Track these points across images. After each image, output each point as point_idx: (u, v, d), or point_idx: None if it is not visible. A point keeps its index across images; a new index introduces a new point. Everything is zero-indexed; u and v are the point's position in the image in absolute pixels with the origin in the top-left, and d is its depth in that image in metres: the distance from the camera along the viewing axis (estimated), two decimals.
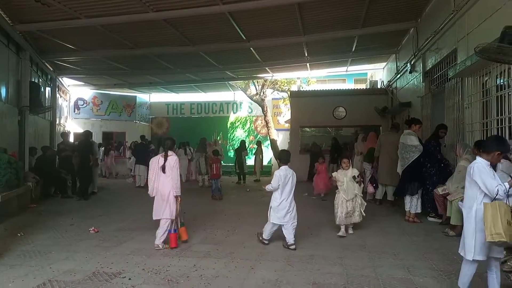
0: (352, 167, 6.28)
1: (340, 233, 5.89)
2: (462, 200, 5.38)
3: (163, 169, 5.34)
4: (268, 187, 5.36)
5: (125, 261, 4.68)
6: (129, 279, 4.06)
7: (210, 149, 12.11)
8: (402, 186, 6.97)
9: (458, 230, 5.67)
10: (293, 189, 5.37)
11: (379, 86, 15.35)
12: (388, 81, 13.98)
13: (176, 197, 5.37)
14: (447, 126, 7.24)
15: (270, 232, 5.42)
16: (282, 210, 5.25)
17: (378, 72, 16.77)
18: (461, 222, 5.55)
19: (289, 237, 5.22)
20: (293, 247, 5.14)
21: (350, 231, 6.06)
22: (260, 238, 5.50)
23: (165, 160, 5.36)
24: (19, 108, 9.75)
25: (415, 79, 10.34)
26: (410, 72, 10.57)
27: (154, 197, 5.44)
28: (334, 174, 6.25)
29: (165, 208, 5.33)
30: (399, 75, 12.17)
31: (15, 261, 4.69)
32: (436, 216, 6.82)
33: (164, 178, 5.36)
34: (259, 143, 15.70)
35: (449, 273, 4.16)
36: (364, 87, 18.05)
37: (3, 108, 8.85)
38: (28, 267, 4.44)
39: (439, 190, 6.36)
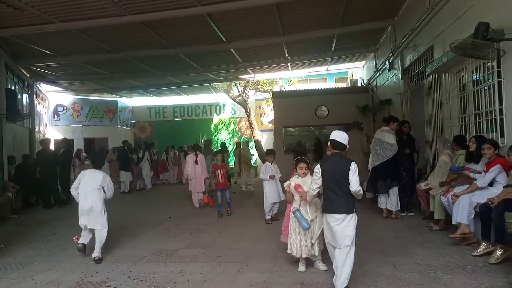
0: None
1: (300, 268, 4.28)
2: (444, 195, 5.50)
3: (196, 162, 9.14)
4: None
5: (110, 269, 4.60)
6: (115, 287, 4.00)
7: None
8: (374, 183, 6.99)
9: (442, 224, 5.77)
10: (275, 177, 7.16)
11: (359, 85, 15.52)
12: (368, 79, 14.14)
13: (205, 179, 9.19)
14: (408, 121, 7.52)
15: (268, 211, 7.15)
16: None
17: (358, 71, 16.96)
18: (444, 216, 5.68)
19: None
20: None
21: (322, 267, 4.28)
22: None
23: (196, 157, 9.19)
24: None
25: (394, 77, 10.49)
26: (389, 70, 10.72)
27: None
28: (289, 183, 4.43)
29: (200, 185, 9.07)
30: (378, 73, 12.32)
31: None
32: (409, 210, 7.10)
33: (197, 168, 9.13)
34: (237, 144, 15.69)
35: (434, 267, 4.22)
36: (345, 86, 18.23)
37: None
38: (9, 280, 4.33)
39: (422, 185, 6.46)
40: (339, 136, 3.83)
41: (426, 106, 7.96)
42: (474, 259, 4.42)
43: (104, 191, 5.21)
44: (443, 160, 6.09)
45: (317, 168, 3.81)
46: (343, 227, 3.62)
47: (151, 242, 5.89)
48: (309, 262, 4.40)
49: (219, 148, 14.19)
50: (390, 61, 10.39)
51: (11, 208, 8.51)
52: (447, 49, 5.88)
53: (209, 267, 4.57)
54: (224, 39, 10.12)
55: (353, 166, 3.64)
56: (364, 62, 15.14)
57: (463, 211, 4.87)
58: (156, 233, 6.58)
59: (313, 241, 4.20)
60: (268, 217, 7.11)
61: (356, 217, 3.70)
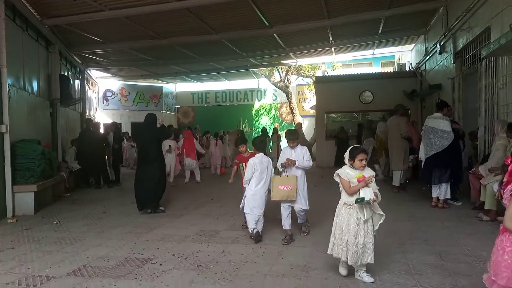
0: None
1: (342, 272, 3.69)
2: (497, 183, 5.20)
3: (216, 144, 13.33)
4: (244, 179, 5.14)
5: (156, 247, 4.79)
6: (160, 264, 4.16)
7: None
8: (430, 173, 6.71)
9: (493, 215, 5.49)
10: (269, 177, 5.04)
11: (407, 69, 14.91)
12: (416, 63, 13.56)
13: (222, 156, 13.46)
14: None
15: (253, 222, 4.96)
16: (257, 200, 4.99)
17: (406, 54, 16.27)
18: (495, 206, 5.39)
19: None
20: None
21: (365, 277, 3.55)
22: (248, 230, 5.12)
23: (217, 141, 13.47)
24: (51, 101, 10.04)
25: (445, 60, 9.98)
26: (440, 53, 10.19)
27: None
28: (342, 174, 3.60)
29: (217, 159, 13.34)
30: (428, 57, 11.77)
31: (51, 247, 4.88)
32: (455, 199, 6.82)
33: (217, 148, 13.34)
34: (274, 130, 15.74)
35: (483, 258, 4.03)
36: (392, 70, 17.58)
37: (35, 101, 9.13)
38: (64, 253, 4.62)
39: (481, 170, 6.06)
40: None
41: (479, 91, 7.52)
42: None
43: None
44: (500, 143, 5.72)
45: None
46: None
47: (194, 223, 6.06)
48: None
49: (261, 133, 14.24)
50: (442, 44, 9.87)
51: (64, 187, 9.04)
52: (506, 30, 5.49)
53: (250, 249, 4.64)
54: (267, 24, 10.03)
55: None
56: (413, 45, 14.49)
57: None
58: (199, 214, 6.76)
59: (365, 243, 3.47)
60: (250, 226, 4.99)
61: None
